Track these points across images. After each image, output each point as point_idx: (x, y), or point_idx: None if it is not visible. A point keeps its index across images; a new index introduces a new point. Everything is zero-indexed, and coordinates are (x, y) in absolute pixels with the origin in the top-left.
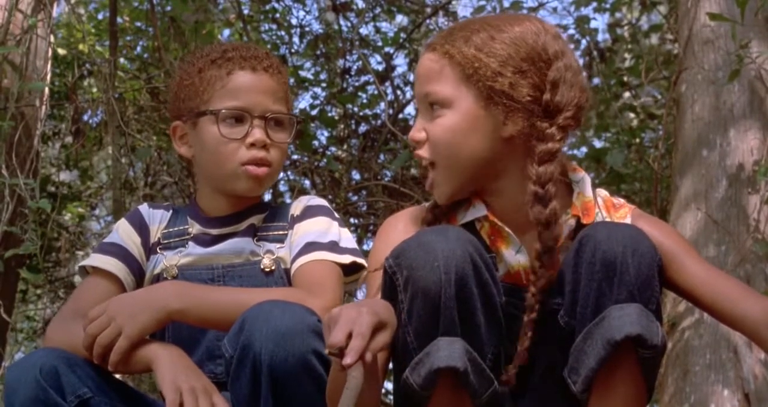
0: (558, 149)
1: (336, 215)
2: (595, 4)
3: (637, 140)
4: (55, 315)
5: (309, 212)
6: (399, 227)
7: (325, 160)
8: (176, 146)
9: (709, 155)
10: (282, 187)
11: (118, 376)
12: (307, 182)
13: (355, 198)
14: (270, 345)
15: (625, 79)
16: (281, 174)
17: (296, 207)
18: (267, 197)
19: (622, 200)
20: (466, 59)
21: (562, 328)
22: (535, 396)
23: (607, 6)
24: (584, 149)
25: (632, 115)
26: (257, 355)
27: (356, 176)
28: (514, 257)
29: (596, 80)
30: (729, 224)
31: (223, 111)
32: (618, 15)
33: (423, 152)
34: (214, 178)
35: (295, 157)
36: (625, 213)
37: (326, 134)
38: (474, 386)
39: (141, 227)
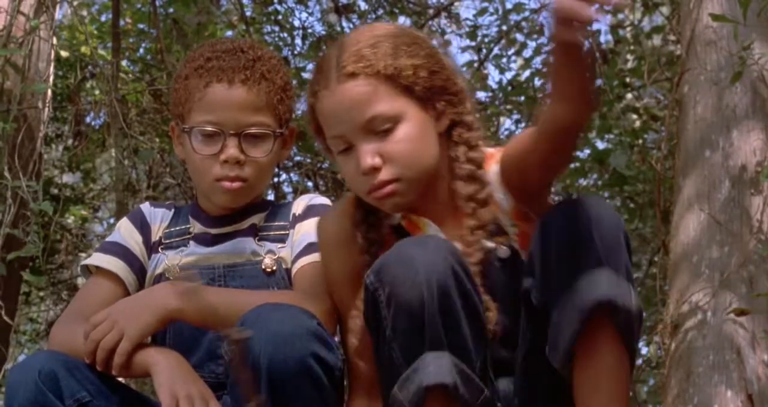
0: (481, 137)
1: None
2: (597, 5)
3: (640, 142)
4: (59, 317)
5: (311, 212)
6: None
7: (327, 161)
8: (174, 146)
9: (712, 156)
10: (286, 188)
11: (120, 379)
12: (310, 184)
13: None
14: (269, 348)
15: (628, 80)
16: (284, 175)
17: (298, 206)
18: (271, 197)
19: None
20: (396, 70)
21: (536, 308)
22: (521, 380)
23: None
24: (587, 151)
25: (635, 116)
26: (256, 358)
27: None
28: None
29: (599, 82)
30: (732, 225)
31: (196, 128)
32: (620, 16)
33: (385, 175)
34: (197, 186)
35: (298, 158)
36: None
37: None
38: (464, 398)
39: (142, 225)
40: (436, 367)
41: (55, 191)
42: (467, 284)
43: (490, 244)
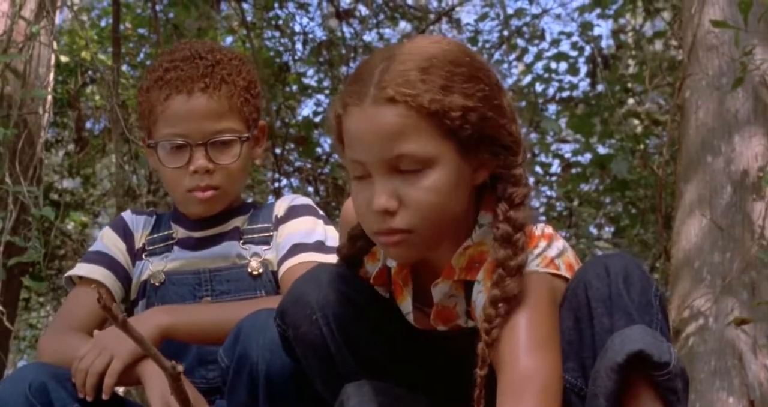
0: (529, 193)
1: (321, 212)
2: (598, 10)
3: (642, 147)
4: (47, 328)
5: (293, 212)
6: (347, 215)
7: (328, 167)
8: (147, 156)
9: (714, 162)
10: (286, 193)
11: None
12: (311, 189)
13: None
14: (267, 354)
15: (630, 85)
16: (284, 181)
17: (280, 207)
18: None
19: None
20: (443, 108)
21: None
22: None
23: (611, 12)
24: (588, 156)
25: (636, 121)
26: (254, 365)
27: None
28: (407, 315)
29: (600, 87)
30: (734, 230)
31: (161, 142)
32: (622, 21)
33: (398, 223)
34: (172, 197)
35: (298, 164)
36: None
37: (330, 141)
38: None
39: (125, 233)
40: (358, 399)
41: (56, 196)
42: (370, 308)
43: (471, 324)
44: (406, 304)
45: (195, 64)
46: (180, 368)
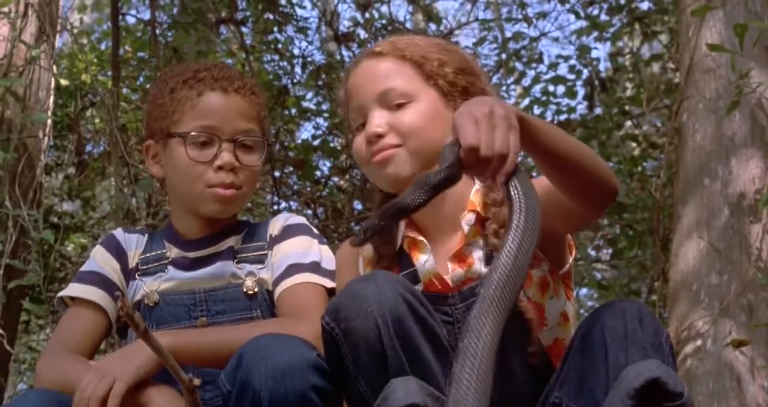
0: None
1: (315, 231)
2: (596, 33)
3: (639, 169)
4: (43, 351)
5: (288, 232)
6: (341, 259)
7: (327, 190)
8: (149, 166)
9: (711, 184)
10: None
11: None
12: (309, 212)
13: (357, 228)
14: (270, 382)
15: (627, 108)
16: (283, 204)
17: (274, 226)
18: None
19: None
20: (422, 58)
21: None
22: None
23: (608, 36)
24: None
25: (634, 144)
26: (257, 393)
27: (358, 206)
28: (424, 266)
29: (598, 110)
30: (731, 252)
31: (191, 133)
32: (619, 44)
33: (388, 139)
34: (184, 199)
35: (297, 187)
36: None
37: (328, 164)
38: None
39: (118, 252)
40: (405, 390)
41: (55, 219)
42: (421, 309)
43: (485, 269)
44: (423, 255)
45: (227, 69)
46: (197, 382)
